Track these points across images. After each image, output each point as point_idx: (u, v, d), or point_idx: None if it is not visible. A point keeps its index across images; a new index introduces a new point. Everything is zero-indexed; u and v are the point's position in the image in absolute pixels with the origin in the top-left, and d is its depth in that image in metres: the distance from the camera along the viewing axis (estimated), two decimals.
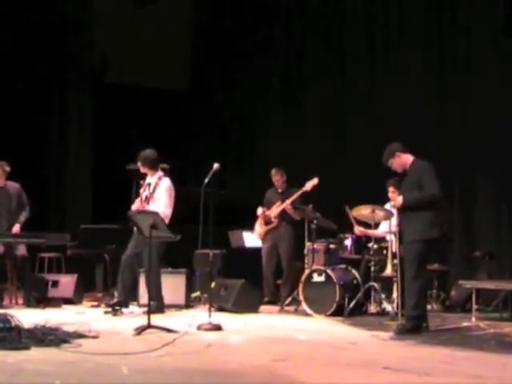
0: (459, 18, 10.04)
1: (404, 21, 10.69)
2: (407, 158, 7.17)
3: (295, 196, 9.26)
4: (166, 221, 7.91)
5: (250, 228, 9.84)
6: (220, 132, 13.01)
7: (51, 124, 12.40)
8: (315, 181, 9.09)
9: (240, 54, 12.82)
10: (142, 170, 8.46)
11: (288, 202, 9.28)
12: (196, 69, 13.78)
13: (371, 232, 8.58)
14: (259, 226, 9.62)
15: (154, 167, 8.46)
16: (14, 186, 9.29)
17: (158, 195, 8.32)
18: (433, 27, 10.29)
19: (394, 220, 7.82)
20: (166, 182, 8.43)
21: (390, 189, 8.48)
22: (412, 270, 6.95)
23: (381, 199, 8.74)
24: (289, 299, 9.10)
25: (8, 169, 9.17)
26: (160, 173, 8.51)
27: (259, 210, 9.62)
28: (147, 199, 8.29)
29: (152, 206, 8.19)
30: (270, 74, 12.55)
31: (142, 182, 8.39)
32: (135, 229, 8.10)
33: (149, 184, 8.37)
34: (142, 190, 8.37)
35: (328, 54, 11.62)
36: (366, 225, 8.68)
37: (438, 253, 8.97)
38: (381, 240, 8.78)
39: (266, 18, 12.70)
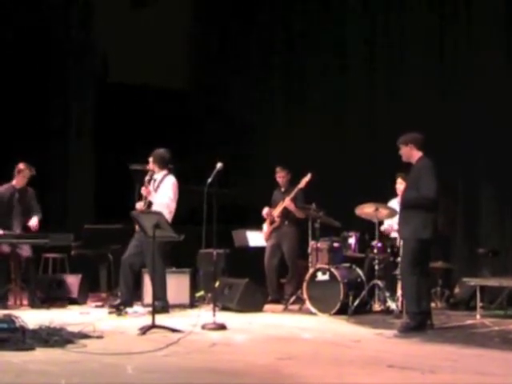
0: (461, 20, 10.05)
1: (403, 21, 10.68)
2: (414, 154, 7.15)
3: (292, 194, 9.28)
4: (171, 216, 8.18)
5: (254, 227, 9.85)
6: (221, 131, 12.98)
7: (53, 124, 12.38)
8: (308, 176, 9.12)
9: (240, 53, 12.80)
10: (152, 166, 8.57)
11: (287, 199, 9.29)
12: (196, 68, 13.77)
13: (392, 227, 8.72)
14: (266, 227, 9.65)
15: (163, 167, 8.62)
16: (30, 189, 9.32)
17: (163, 189, 8.46)
18: (433, 26, 10.29)
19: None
20: (172, 178, 8.60)
21: (398, 180, 8.54)
22: (406, 266, 7.10)
23: (384, 197, 8.75)
24: (293, 298, 9.09)
25: (34, 172, 9.18)
26: (166, 171, 8.63)
27: (265, 210, 9.63)
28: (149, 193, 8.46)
29: (157, 198, 8.35)
30: (271, 72, 12.53)
31: (147, 178, 8.46)
32: (137, 228, 8.15)
33: (154, 179, 8.55)
34: (143, 189, 8.43)
35: (329, 52, 11.60)
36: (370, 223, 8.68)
37: (442, 250, 8.99)
38: (385, 238, 8.78)
39: (266, 17, 12.67)
